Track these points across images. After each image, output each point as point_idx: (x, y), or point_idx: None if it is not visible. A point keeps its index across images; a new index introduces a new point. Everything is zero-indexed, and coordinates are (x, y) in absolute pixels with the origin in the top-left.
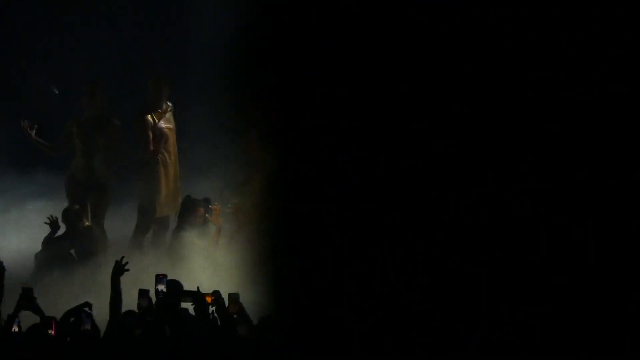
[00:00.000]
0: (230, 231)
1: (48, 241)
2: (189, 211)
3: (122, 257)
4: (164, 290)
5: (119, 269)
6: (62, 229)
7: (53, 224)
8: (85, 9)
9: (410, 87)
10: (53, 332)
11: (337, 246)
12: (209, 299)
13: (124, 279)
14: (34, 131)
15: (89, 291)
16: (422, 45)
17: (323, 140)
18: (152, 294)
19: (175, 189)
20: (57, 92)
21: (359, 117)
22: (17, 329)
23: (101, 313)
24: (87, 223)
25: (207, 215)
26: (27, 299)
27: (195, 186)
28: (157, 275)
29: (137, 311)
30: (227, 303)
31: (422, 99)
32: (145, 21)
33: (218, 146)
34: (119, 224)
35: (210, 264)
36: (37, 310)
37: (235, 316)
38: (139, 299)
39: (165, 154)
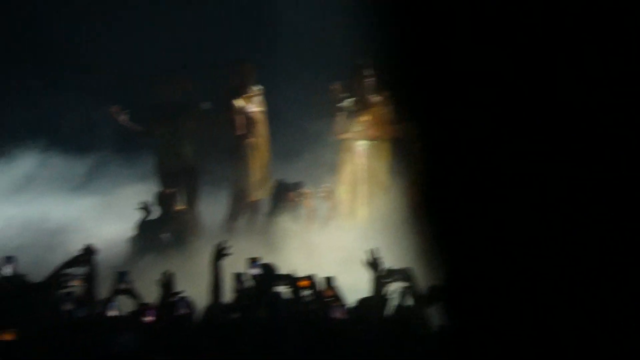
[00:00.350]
0: (324, 215)
1: (141, 226)
2: (281, 195)
3: (223, 241)
4: (259, 273)
5: (219, 253)
6: (157, 214)
7: (146, 209)
8: None
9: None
10: (151, 318)
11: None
12: (304, 283)
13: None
14: (125, 115)
15: (182, 277)
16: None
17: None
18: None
19: (266, 172)
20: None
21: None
22: (116, 314)
23: (195, 299)
24: (180, 207)
25: (298, 199)
26: (124, 283)
27: (287, 170)
28: (251, 259)
29: (232, 295)
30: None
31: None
32: (231, 2)
33: (309, 128)
34: (213, 209)
35: (303, 248)
36: (134, 294)
37: (330, 299)
38: (233, 283)
39: (256, 138)
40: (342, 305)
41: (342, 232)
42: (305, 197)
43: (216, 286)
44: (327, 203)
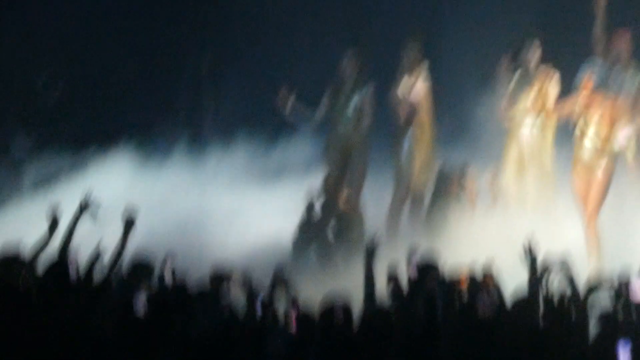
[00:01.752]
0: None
1: (304, 226)
2: (444, 180)
3: (376, 237)
4: (419, 266)
5: (372, 251)
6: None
7: (309, 208)
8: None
9: None
10: (294, 325)
11: None
12: (462, 284)
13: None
14: (292, 99)
15: (345, 276)
16: None
17: None
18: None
19: (431, 156)
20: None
21: None
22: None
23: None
24: (344, 198)
25: (462, 184)
26: (281, 276)
27: (451, 153)
28: (411, 250)
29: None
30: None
31: None
32: None
33: (479, 107)
34: (375, 198)
35: (467, 234)
36: (289, 289)
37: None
38: (388, 284)
39: (420, 121)
40: (494, 303)
41: (507, 217)
42: (469, 181)
43: (369, 287)
44: (492, 187)
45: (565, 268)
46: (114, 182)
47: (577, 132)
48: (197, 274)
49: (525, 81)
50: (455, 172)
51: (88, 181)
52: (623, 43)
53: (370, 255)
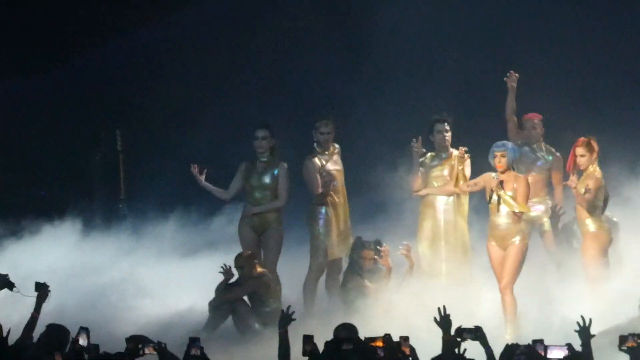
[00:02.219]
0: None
1: (221, 288)
2: (359, 253)
3: (289, 307)
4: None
5: (286, 319)
6: (236, 277)
7: (227, 272)
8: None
9: None
10: None
11: None
12: (379, 343)
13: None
14: (203, 176)
15: (261, 339)
16: None
17: None
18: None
19: (345, 230)
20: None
21: None
22: None
23: None
24: (259, 268)
25: (376, 257)
26: (195, 349)
27: (366, 228)
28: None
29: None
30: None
31: None
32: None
33: (389, 186)
34: (292, 268)
35: (381, 306)
36: None
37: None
38: (303, 345)
39: (334, 196)
40: None
41: (423, 288)
42: (384, 254)
43: (284, 352)
44: (407, 260)
45: (480, 335)
46: (57, 250)
47: (492, 207)
48: (113, 342)
49: (437, 162)
50: (370, 245)
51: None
52: (534, 125)
53: (284, 322)
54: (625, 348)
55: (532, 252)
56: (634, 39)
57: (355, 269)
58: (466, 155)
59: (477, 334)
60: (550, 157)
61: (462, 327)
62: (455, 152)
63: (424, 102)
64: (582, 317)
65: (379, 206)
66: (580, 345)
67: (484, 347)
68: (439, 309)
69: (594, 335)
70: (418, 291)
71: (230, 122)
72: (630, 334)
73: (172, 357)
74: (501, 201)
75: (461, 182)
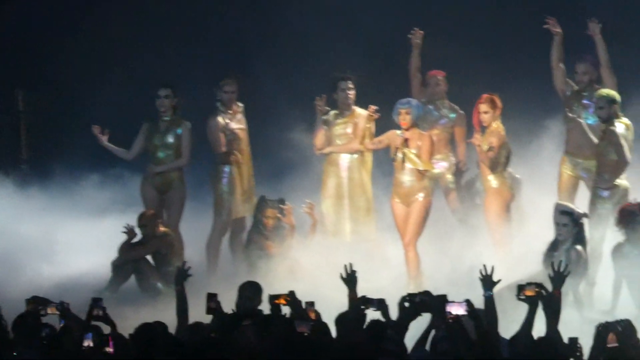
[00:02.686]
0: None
1: (124, 248)
2: (263, 212)
3: (184, 263)
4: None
5: (182, 275)
6: (139, 236)
7: (130, 232)
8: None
9: None
10: (111, 350)
11: None
12: (282, 301)
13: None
14: (106, 137)
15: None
16: None
17: None
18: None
19: (249, 189)
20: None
21: None
22: (90, 344)
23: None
24: (162, 228)
25: (280, 215)
26: (98, 309)
27: (271, 187)
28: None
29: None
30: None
31: None
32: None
33: (292, 145)
34: (195, 227)
35: (285, 264)
36: (107, 321)
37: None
38: (207, 303)
39: (238, 155)
40: (309, 321)
41: (327, 246)
42: (287, 212)
43: (182, 307)
44: (310, 218)
45: (382, 307)
46: None
47: (396, 164)
48: (13, 300)
49: (341, 120)
50: (274, 204)
51: None
52: (438, 82)
53: (180, 279)
54: (523, 297)
55: (435, 209)
56: None
57: (259, 228)
58: (376, 115)
59: (379, 306)
60: (453, 115)
61: (366, 297)
62: (358, 110)
63: (328, 60)
64: (484, 265)
65: (283, 165)
66: (483, 295)
67: (385, 318)
68: (345, 266)
69: (498, 281)
70: (322, 249)
71: (136, 81)
72: (527, 283)
73: (75, 317)
74: (405, 159)
75: (367, 140)
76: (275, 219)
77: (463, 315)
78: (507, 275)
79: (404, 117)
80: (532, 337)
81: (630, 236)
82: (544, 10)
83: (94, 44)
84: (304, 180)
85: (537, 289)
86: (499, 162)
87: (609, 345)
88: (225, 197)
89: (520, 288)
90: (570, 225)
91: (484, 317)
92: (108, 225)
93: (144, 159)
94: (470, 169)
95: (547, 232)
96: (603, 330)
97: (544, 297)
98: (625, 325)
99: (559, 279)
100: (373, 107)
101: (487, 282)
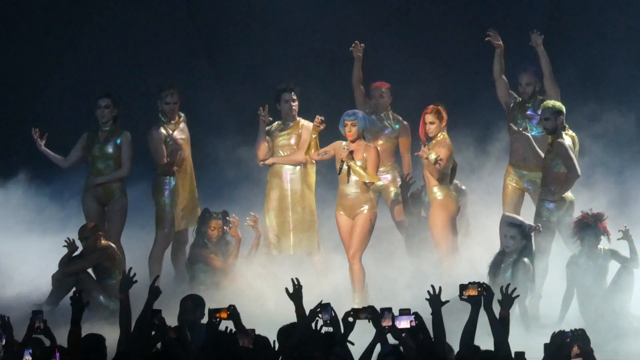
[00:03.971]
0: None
1: (65, 261)
2: (207, 224)
3: (130, 269)
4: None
5: (127, 282)
6: (80, 249)
7: (70, 245)
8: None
9: None
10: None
11: None
12: (224, 315)
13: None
14: (43, 141)
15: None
16: None
17: None
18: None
19: (192, 201)
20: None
21: None
22: (29, 359)
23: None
24: (104, 241)
25: (226, 227)
26: (39, 322)
27: (213, 199)
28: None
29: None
30: None
31: None
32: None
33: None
34: (137, 240)
35: (229, 278)
36: (48, 335)
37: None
38: (151, 319)
39: (180, 166)
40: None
41: (271, 260)
42: (232, 225)
43: (125, 316)
44: (254, 231)
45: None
46: None
47: (341, 177)
48: None
49: (284, 131)
50: (218, 216)
51: None
52: (382, 94)
53: (125, 286)
54: (466, 297)
55: (380, 221)
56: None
57: (203, 240)
58: (322, 125)
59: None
60: (397, 126)
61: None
62: (303, 121)
63: (271, 70)
64: (432, 286)
65: (226, 176)
66: (431, 314)
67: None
68: (292, 280)
69: (446, 302)
70: (266, 262)
71: (77, 90)
72: (469, 282)
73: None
74: (351, 171)
75: (312, 151)
76: (219, 231)
77: (410, 328)
78: (454, 286)
79: (350, 128)
80: (476, 347)
81: (585, 248)
82: (486, 22)
83: (37, 49)
84: (247, 193)
85: (478, 289)
86: (445, 174)
87: (573, 358)
88: (168, 209)
89: (462, 288)
90: (518, 237)
91: (432, 332)
92: (48, 238)
93: (84, 171)
94: (417, 181)
95: (493, 244)
96: (558, 338)
97: (490, 315)
98: (582, 335)
99: (507, 300)
100: (319, 118)
101: (435, 302)
